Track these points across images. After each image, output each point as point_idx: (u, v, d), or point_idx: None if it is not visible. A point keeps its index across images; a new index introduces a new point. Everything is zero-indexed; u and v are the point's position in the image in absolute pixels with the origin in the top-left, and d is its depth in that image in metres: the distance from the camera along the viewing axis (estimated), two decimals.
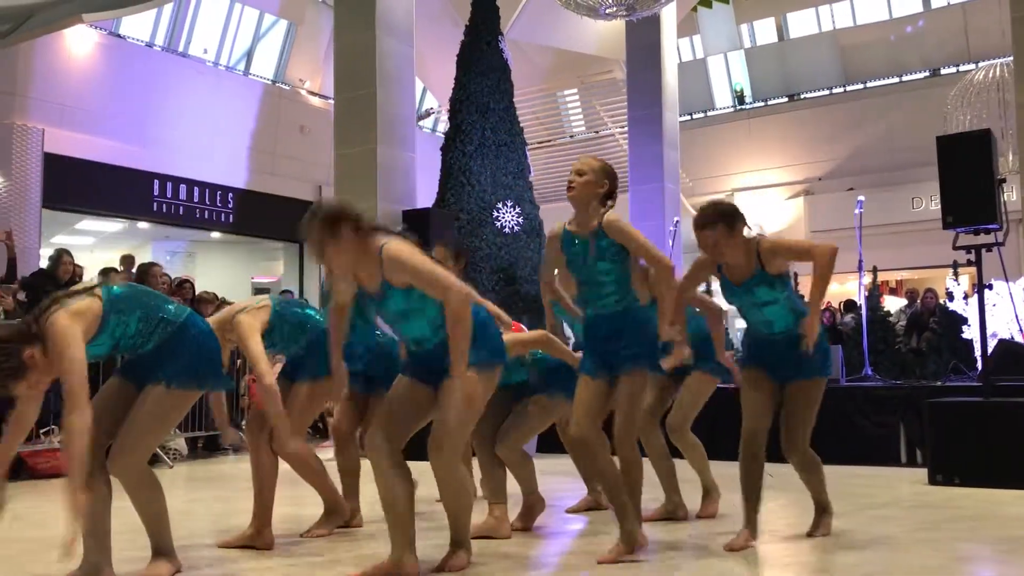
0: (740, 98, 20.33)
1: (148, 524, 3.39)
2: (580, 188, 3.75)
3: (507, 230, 10.62)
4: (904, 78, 18.27)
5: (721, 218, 3.82)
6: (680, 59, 17.47)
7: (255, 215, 15.44)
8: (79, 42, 13.35)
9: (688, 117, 18.76)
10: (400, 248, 3.26)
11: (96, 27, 13.57)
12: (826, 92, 19.04)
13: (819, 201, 18.35)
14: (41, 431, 7.04)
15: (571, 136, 20.21)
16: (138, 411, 3.28)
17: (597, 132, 19.55)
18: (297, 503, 5.16)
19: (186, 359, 3.33)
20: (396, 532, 3.31)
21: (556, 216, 4.49)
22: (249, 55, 17.03)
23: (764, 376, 3.94)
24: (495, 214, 10.63)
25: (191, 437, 8.48)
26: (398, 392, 3.44)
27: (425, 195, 10.94)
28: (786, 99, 19.57)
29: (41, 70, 12.84)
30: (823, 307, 13.53)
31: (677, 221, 11.90)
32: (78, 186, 12.93)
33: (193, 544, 4.08)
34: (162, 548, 3.41)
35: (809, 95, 19.28)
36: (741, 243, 3.85)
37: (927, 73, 18.11)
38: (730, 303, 4.04)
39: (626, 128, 14.88)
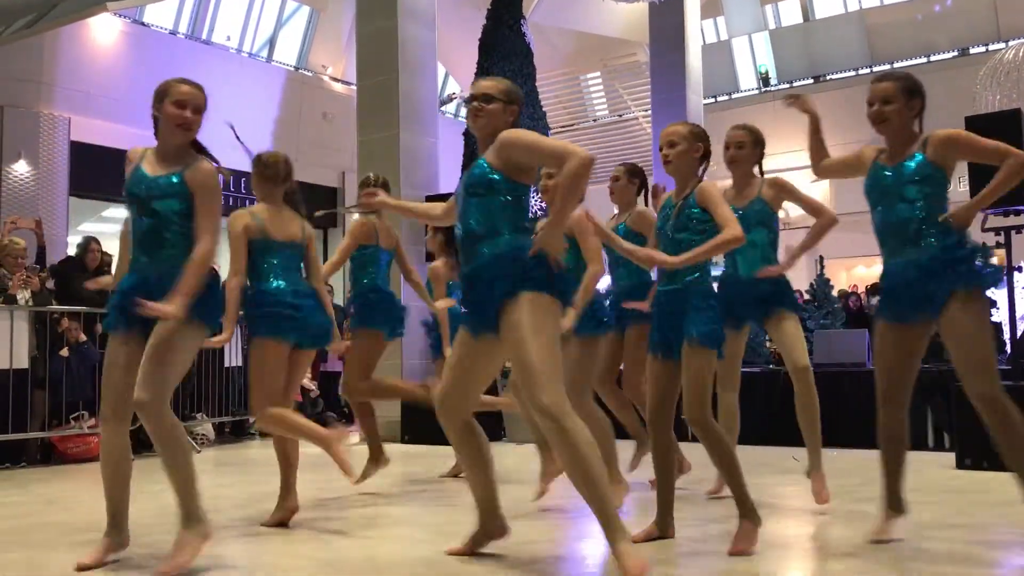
0: (765, 80, 20.12)
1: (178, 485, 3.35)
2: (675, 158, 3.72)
3: (529, 214, 10.59)
4: (932, 58, 17.99)
5: (904, 80, 3.54)
6: (704, 41, 17.32)
7: None
8: (103, 30, 13.44)
9: (712, 100, 18.61)
10: None
11: (120, 15, 13.66)
12: (852, 73, 18.78)
13: (846, 183, 18.01)
14: (71, 416, 7.12)
15: (594, 120, 20.13)
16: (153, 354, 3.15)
17: (620, 116, 19.47)
18: (321, 488, 5.19)
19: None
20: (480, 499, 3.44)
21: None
22: (272, 42, 17.07)
23: (895, 328, 3.52)
24: None
25: (218, 422, 8.57)
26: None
27: (448, 180, 10.90)
28: (812, 80, 19.32)
29: (66, 59, 12.95)
30: (852, 291, 13.13)
31: None
32: (104, 174, 12.98)
33: (222, 528, 4.11)
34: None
35: (835, 76, 19.02)
36: (909, 122, 3.53)
37: (956, 53, 17.81)
38: (869, 196, 3.60)
39: (649, 111, 14.80)
